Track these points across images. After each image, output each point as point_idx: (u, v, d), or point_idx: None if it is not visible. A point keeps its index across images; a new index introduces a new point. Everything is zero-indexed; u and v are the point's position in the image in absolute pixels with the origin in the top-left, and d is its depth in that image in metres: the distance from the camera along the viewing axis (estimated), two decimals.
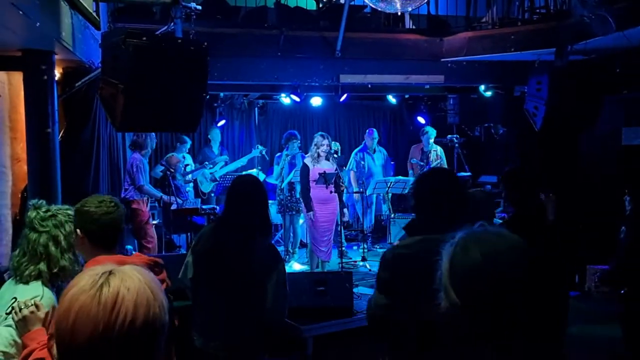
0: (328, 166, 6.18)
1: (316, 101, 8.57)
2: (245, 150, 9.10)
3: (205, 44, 3.93)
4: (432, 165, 7.79)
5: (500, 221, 7.58)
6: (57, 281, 2.19)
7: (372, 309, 2.30)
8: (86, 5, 3.42)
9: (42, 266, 2.12)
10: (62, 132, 4.45)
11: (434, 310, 1.41)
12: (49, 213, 2.18)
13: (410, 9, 4.03)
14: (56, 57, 3.85)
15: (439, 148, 8.22)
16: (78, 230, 2.16)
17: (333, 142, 7.93)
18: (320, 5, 7.13)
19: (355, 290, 5.43)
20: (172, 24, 4.17)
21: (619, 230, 5.07)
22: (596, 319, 5.67)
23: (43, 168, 3.87)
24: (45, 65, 3.71)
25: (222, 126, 9.11)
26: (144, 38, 3.56)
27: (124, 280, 1.04)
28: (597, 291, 6.73)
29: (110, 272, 1.06)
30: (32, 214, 2.19)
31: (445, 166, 8.04)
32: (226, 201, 2.92)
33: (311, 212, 6.32)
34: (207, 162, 7.78)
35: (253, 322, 2.70)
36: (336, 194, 6.10)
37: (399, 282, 2.19)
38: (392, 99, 9.05)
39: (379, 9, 4.12)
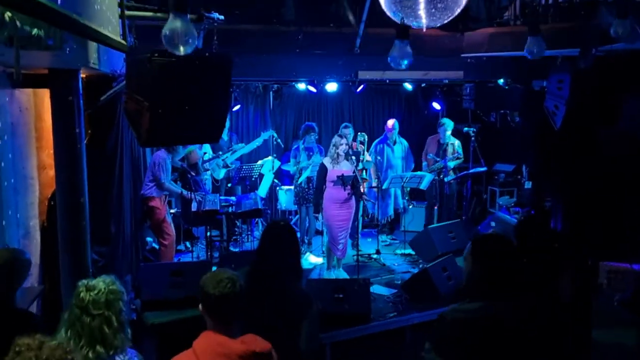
0: (347, 167, 6.13)
1: (331, 87, 8.49)
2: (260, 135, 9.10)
3: (230, 56, 3.93)
4: (448, 160, 7.70)
5: (516, 216, 7.61)
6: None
7: None
8: (114, 36, 3.41)
9: (100, 348, 2.19)
10: (87, 138, 4.49)
11: None
12: (101, 296, 2.22)
13: (438, 25, 3.96)
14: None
15: (456, 141, 7.98)
16: (200, 306, 2.27)
17: (360, 133, 7.76)
18: None
19: (370, 289, 5.50)
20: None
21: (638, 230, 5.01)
22: (610, 322, 5.69)
23: (71, 179, 3.94)
24: (72, 82, 3.74)
25: (237, 111, 9.10)
26: (171, 57, 3.56)
27: None
28: (609, 287, 6.78)
29: None
30: (85, 296, 2.24)
31: (462, 159, 7.94)
32: (259, 246, 3.01)
33: (319, 214, 6.37)
34: (220, 152, 7.80)
35: None
36: (354, 195, 6.11)
37: (457, 347, 2.29)
38: (407, 85, 8.97)
39: (407, 24, 4.06)
